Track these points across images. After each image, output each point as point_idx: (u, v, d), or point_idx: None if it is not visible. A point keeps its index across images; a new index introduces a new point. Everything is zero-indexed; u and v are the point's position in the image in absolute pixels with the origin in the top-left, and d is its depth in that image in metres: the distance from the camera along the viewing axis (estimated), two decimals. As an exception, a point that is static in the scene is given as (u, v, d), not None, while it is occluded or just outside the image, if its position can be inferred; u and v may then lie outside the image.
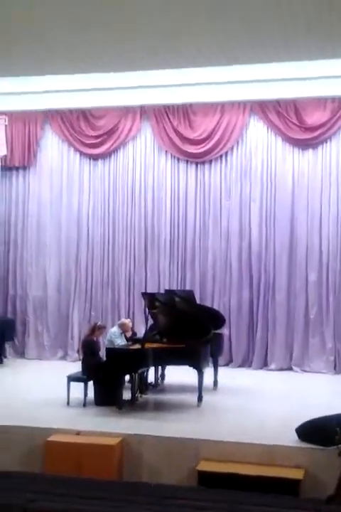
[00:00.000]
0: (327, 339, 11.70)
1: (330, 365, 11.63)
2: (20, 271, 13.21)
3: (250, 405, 8.99)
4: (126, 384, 9.10)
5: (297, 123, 11.93)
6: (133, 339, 9.99)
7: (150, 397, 9.56)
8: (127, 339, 10.02)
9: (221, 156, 12.43)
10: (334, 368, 11.64)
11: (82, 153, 13.02)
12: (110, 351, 9.11)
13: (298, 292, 11.93)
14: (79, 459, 7.24)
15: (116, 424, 8.07)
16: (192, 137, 12.43)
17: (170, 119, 12.47)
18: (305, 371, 11.70)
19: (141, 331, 10.52)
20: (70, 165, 13.12)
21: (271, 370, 11.83)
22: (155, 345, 9.19)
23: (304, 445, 7.21)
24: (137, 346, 9.27)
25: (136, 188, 12.80)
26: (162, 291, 11.65)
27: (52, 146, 13.16)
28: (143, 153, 12.81)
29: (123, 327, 10.15)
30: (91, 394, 8.99)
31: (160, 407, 9.21)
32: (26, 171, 13.23)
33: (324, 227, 11.86)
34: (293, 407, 8.74)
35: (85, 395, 8.89)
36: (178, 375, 9.85)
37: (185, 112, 12.44)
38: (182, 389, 9.79)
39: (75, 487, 6.00)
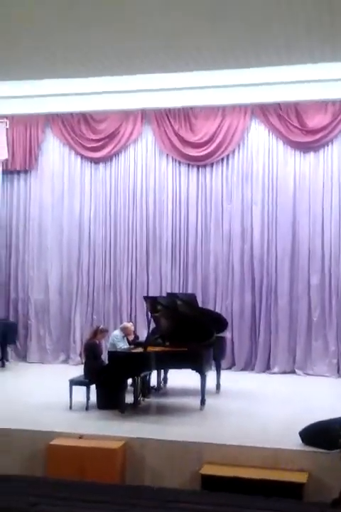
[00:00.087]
0: (330, 342, 11.68)
1: (333, 368, 11.60)
2: (22, 274, 13.20)
3: (253, 409, 8.96)
4: (129, 387, 9.08)
5: (298, 126, 11.92)
6: (135, 343, 9.97)
7: (152, 400, 9.54)
8: (129, 343, 10.01)
9: (222, 160, 12.44)
10: (338, 371, 11.62)
11: (83, 157, 13.02)
12: (112, 355, 9.08)
13: (301, 295, 11.91)
14: (82, 462, 7.20)
15: (119, 427, 8.04)
16: (194, 140, 12.44)
17: (171, 123, 12.47)
18: (308, 374, 11.68)
19: (143, 335, 10.51)
20: (71, 168, 13.12)
21: (273, 373, 11.81)
22: (157, 348, 9.17)
23: (307, 448, 7.18)
24: (139, 350, 9.25)
25: (137, 191, 12.80)
26: (164, 294, 11.63)
27: (54, 150, 13.17)
28: (144, 156, 12.81)
29: (125, 331, 10.14)
30: (93, 397, 8.97)
31: (162, 410, 9.18)
32: (27, 174, 13.24)
33: (326, 230, 11.85)
34: (296, 410, 8.71)
35: (87, 398, 8.86)
36: (181, 378, 9.83)
37: (186, 115, 12.45)
38: (185, 392, 9.77)
39: (78, 491, 5.98)
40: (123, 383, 8.81)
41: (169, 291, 11.94)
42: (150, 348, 9.06)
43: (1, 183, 13.14)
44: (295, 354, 11.87)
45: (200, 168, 12.54)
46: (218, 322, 10.06)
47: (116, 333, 10.11)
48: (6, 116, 12.74)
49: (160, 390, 10.05)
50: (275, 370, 11.84)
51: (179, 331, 9.20)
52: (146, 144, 12.80)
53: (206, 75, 11.09)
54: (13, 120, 12.91)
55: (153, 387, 9.85)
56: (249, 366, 12.08)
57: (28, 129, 13.01)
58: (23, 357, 12.97)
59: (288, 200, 12.07)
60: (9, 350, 12.73)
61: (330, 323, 11.74)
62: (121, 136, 12.72)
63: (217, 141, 12.27)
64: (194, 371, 8.93)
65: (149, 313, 9.62)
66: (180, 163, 12.61)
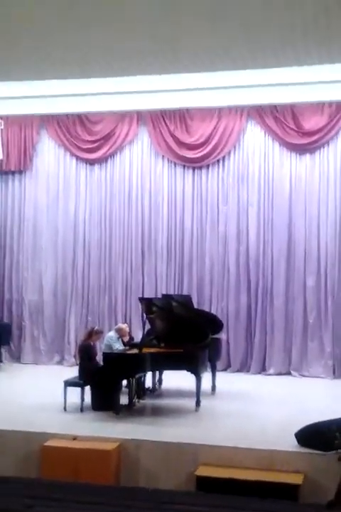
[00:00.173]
0: (326, 344, 11.66)
1: (329, 369, 11.59)
2: (16, 275, 13.16)
3: (249, 410, 8.93)
4: (124, 389, 9.04)
5: (294, 128, 11.92)
6: (130, 344, 9.94)
7: (147, 402, 9.51)
8: (124, 344, 9.97)
9: (218, 161, 12.42)
10: (333, 373, 11.61)
11: (78, 158, 12.99)
12: (107, 356, 9.05)
13: (296, 297, 11.90)
14: (77, 464, 7.17)
15: (114, 429, 8.00)
16: (189, 142, 12.42)
17: (167, 124, 12.45)
18: (304, 376, 11.66)
19: (138, 336, 10.47)
20: (67, 169, 13.08)
21: (269, 374, 11.79)
22: (152, 349, 9.14)
23: (303, 450, 7.16)
24: (134, 351, 9.21)
25: (132, 192, 12.77)
26: (159, 296, 11.60)
27: (49, 151, 13.13)
28: (139, 158, 12.79)
29: (120, 332, 10.09)
30: (88, 399, 8.92)
31: (157, 411, 9.15)
32: (22, 175, 13.20)
33: (322, 232, 11.85)
34: (292, 411, 8.69)
35: (82, 399, 8.82)
36: (176, 380, 9.79)
37: (182, 116, 12.43)
38: (180, 394, 9.74)
39: (72, 492, 5.94)
40: (118, 384, 8.78)
41: (164, 292, 11.91)
42: (145, 350, 9.02)
43: (-4, 184, 13.13)
44: (291, 355, 11.86)
45: (196, 170, 12.52)
46: (213, 323, 10.05)
47: (111, 334, 10.07)
48: (0, 117, 12.68)
49: (156, 391, 10.03)
50: (271, 371, 11.82)
51: (174, 333, 9.17)
52: (142, 146, 12.78)
53: (202, 77, 11.07)
54: (8, 121, 12.85)
55: (148, 389, 9.82)
56: (244, 367, 12.05)
57: (22, 129, 12.96)
58: (17, 358, 12.91)
59: (284, 202, 12.06)
60: (3, 351, 12.66)
61: (326, 325, 11.73)
62: (116, 137, 12.69)
63: (213, 142, 12.25)
64: (189, 372, 8.90)
65: (144, 315, 9.59)
66: (175, 164, 12.59)
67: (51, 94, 11.90)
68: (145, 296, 11.80)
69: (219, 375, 10.36)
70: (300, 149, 12.01)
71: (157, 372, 10.10)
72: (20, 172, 13.16)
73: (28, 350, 12.88)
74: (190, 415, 8.75)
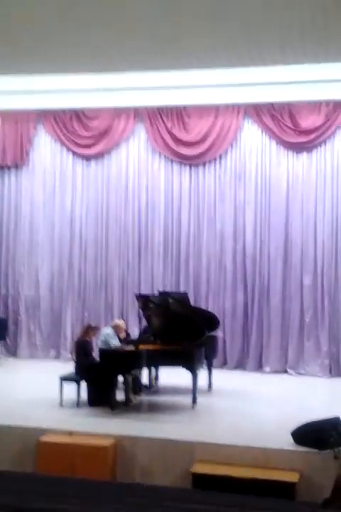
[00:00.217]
0: (322, 342, 11.65)
1: (325, 368, 11.58)
2: (12, 271, 13.12)
3: (245, 408, 8.93)
4: (120, 385, 9.03)
5: (291, 126, 11.91)
6: (127, 340, 9.92)
7: (143, 398, 9.49)
8: (121, 340, 9.95)
9: (215, 159, 12.39)
10: (330, 372, 11.60)
11: (75, 154, 12.95)
12: (104, 352, 9.04)
13: (293, 295, 11.89)
14: (73, 460, 7.16)
15: (110, 425, 8.00)
16: (186, 139, 12.40)
17: (164, 121, 12.42)
18: (300, 374, 11.65)
19: (134, 333, 10.46)
20: (63, 165, 13.04)
21: (265, 372, 11.77)
22: (149, 346, 9.13)
23: (299, 448, 7.16)
24: (131, 347, 9.20)
25: (129, 189, 12.74)
26: (156, 292, 11.59)
27: (45, 146, 13.09)
28: (136, 154, 12.75)
29: (116, 328, 10.05)
30: (84, 394, 8.91)
31: (153, 408, 9.14)
32: (18, 170, 13.14)
33: (318, 231, 11.84)
34: (288, 410, 8.70)
35: (78, 395, 8.80)
36: (172, 377, 9.78)
37: (179, 114, 12.40)
38: (176, 391, 9.72)
39: (69, 488, 5.93)
40: (114, 380, 8.76)
41: (161, 289, 11.89)
42: (141, 346, 9.01)
43: (-8, 179, 13.09)
44: (287, 354, 11.85)
45: (193, 167, 12.49)
46: (210, 321, 10.02)
47: (108, 330, 10.04)
48: (-4, 112, 12.66)
49: (152, 388, 10.02)
50: (267, 369, 11.82)
51: (171, 330, 9.17)
52: (139, 142, 12.74)
53: (199, 74, 11.10)
54: (4, 116, 12.80)
55: (144, 385, 9.81)
56: (240, 365, 12.03)
57: (19, 124, 12.91)
58: (13, 353, 12.87)
59: (281, 201, 12.05)
60: (-1, 346, 12.68)
61: (322, 324, 11.73)
62: (113, 133, 12.65)
63: (210, 140, 12.23)
64: (185, 369, 8.89)
65: (141, 312, 9.57)
66: (172, 161, 12.56)
67: (48, 90, 11.89)
68: (142, 292, 11.76)
69: (215, 372, 10.32)
70: (297, 148, 12.00)
71: (153, 369, 10.09)
72: (17, 167, 13.11)
73: (24, 345, 12.84)
74: (187, 412, 8.74)
